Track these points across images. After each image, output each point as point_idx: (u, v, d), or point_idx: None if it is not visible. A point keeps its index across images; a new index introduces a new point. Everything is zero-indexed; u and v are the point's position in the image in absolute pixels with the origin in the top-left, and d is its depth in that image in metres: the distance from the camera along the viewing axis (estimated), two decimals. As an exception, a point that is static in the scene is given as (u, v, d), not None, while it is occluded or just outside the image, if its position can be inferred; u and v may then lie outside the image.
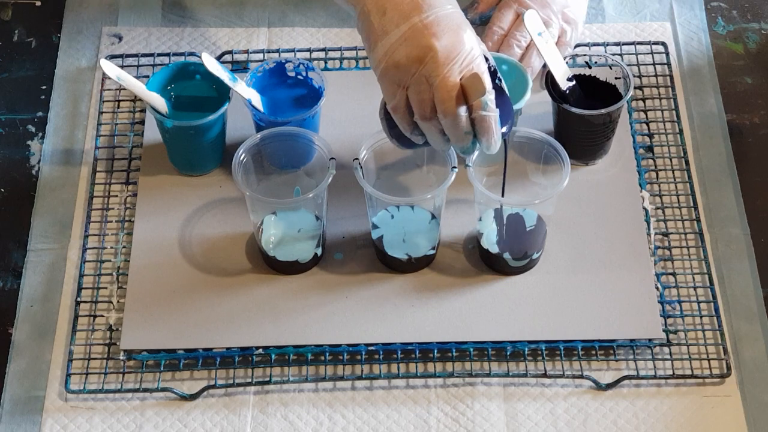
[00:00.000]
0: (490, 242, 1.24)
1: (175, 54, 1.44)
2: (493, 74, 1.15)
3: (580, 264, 1.27)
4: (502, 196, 1.22)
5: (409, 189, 1.29)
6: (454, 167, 1.20)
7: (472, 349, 1.23)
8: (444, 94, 1.12)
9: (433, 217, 1.24)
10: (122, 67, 1.40)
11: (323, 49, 1.45)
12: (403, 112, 1.15)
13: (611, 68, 1.32)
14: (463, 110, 1.13)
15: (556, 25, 1.36)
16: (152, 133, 1.37)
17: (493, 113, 1.13)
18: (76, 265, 1.29)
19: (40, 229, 1.32)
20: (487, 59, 1.15)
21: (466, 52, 1.12)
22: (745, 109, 1.42)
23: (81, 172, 1.36)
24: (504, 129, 1.17)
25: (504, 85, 1.17)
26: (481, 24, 1.43)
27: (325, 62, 1.44)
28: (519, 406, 1.20)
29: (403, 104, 1.14)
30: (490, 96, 1.13)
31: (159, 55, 1.44)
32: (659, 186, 1.34)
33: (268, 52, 1.45)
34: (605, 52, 1.44)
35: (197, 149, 1.31)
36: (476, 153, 1.18)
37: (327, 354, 1.22)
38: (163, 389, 1.21)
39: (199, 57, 1.29)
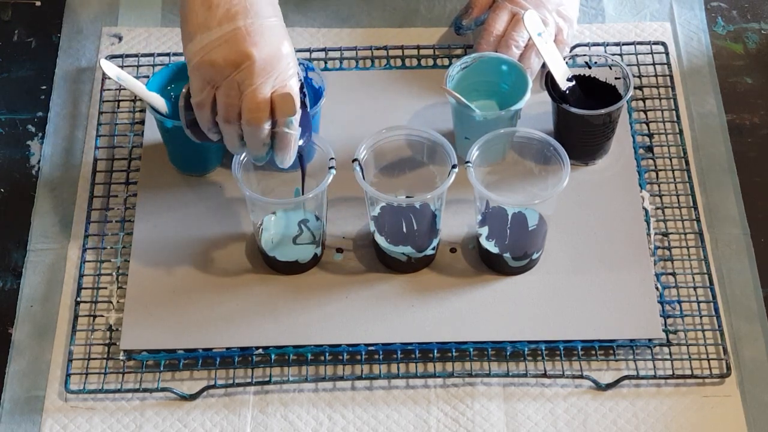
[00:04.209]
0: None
1: (175, 54, 1.44)
2: (300, 87, 1.17)
3: (580, 264, 1.27)
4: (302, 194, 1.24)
5: (409, 189, 1.29)
6: (454, 167, 1.20)
7: (471, 349, 1.23)
8: (252, 104, 1.12)
9: (433, 216, 1.24)
10: (122, 67, 1.40)
11: (323, 49, 1.45)
12: (207, 110, 1.15)
13: (611, 68, 1.32)
14: (267, 124, 1.14)
15: (553, 25, 1.36)
16: (152, 133, 1.37)
17: (294, 132, 1.15)
18: (76, 265, 1.29)
19: (40, 229, 1.32)
20: (299, 74, 1.17)
21: (283, 68, 1.13)
22: (745, 109, 1.42)
23: (81, 172, 1.36)
24: (300, 142, 1.18)
25: (307, 99, 1.19)
26: (477, 27, 1.43)
27: (325, 62, 1.44)
28: (519, 406, 1.20)
29: (209, 102, 1.15)
30: (296, 115, 1.14)
31: (159, 55, 1.44)
32: (659, 186, 1.34)
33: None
34: (605, 52, 1.44)
35: (197, 149, 1.31)
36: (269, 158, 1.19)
37: (327, 354, 1.22)
38: (163, 389, 1.21)
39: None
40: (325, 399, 1.21)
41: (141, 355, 1.23)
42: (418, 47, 1.45)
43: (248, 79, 1.12)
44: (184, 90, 1.17)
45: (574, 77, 1.32)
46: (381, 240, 1.25)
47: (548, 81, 1.31)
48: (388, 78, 1.42)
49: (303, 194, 1.24)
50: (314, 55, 1.44)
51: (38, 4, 1.52)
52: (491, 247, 1.25)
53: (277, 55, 1.13)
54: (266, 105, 1.13)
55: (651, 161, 1.36)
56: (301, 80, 1.18)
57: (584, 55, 1.33)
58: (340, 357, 1.23)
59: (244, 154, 1.23)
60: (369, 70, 1.43)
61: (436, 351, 1.23)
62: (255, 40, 1.12)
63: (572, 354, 1.23)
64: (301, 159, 1.21)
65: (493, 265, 1.27)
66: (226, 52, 1.12)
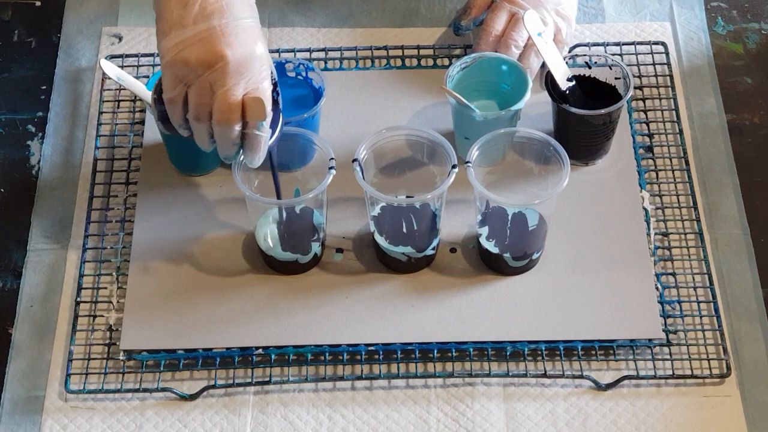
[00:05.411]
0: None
1: (175, 54, 1.44)
2: (272, 85, 1.17)
3: (580, 264, 1.27)
4: (278, 198, 1.23)
5: (409, 189, 1.29)
6: (454, 167, 1.20)
7: (471, 349, 1.23)
8: (224, 105, 1.12)
9: (434, 216, 1.24)
10: (122, 67, 1.40)
11: (323, 49, 1.45)
12: (178, 107, 1.15)
13: (611, 68, 1.32)
14: (237, 125, 1.14)
15: (552, 24, 1.36)
16: (152, 133, 1.37)
17: (264, 134, 1.15)
18: (76, 265, 1.29)
19: (40, 229, 1.32)
20: (270, 71, 1.17)
21: (256, 70, 1.13)
22: (745, 109, 1.42)
23: (81, 172, 1.36)
24: (271, 141, 1.18)
25: (280, 98, 1.19)
26: (476, 27, 1.43)
27: (325, 62, 1.44)
28: (519, 406, 1.20)
29: (180, 99, 1.15)
30: (267, 118, 1.14)
31: (159, 55, 1.44)
32: (659, 186, 1.34)
33: (269, 52, 1.44)
34: (605, 52, 1.44)
35: (197, 149, 1.31)
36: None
37: (327, 354, 1.22)
38: (163, 389, 1.21)
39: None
40: (325, 399, 1.21)
41: (141, 355, 1.23)
42: (418, 47, 1.45)
43: (221, 79, 1.12)
44: (156, 83, 1.18)
45: (574, 77, 1.32)
46: (381, 240, 1.25)
47: (548, 81, 1.31)
48: (388, 78, 1.42)
49: (279, 196, 1.24)
50: (314, 55, 1.44)
51: (38, 4, 1.52)
52: (491, 247, 1.25)
53: (251, 57, 1.13)
54: (237, 107, 1.13)
55: (651, 161, 1.36)
56: (274, 80, 1.18)
57: (584, 55, 1.33)
58: (340, 357, 1.23)
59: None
60: (369, 70, 1.43)
61: (436, 351, 1.23)
62: (229, 40, 1.12)
63: (572, 354, 1.23)
64: (272, 159, 1.21)
65: (493, 265, 1.27)
66: (200, 51, 1.12)
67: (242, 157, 1.18)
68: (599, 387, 1.21)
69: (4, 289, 1.29)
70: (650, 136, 1.38)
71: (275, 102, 1.18)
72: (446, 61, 1.44)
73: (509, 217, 1.23)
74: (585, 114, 1.29)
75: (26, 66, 1.46)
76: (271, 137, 1.19)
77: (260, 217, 1.26)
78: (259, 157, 1.17)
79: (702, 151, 1.38)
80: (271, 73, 1.17)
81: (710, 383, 1.22)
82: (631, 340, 1.23)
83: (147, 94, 1.27)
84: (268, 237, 1.26)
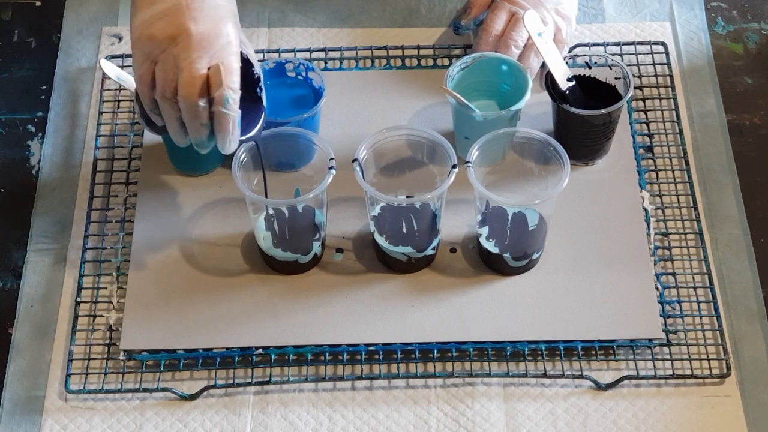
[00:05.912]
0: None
1: (175, 54, 1.44)
2: (256, 81, 1.17)
3: (580, 264, 1.27)
4: (266, 197, 1.23)
5: (409, 189, 1.29)
6: (454, 167, 1.20)
7: (472, 349, 1.23)
8: (187, 78, 1.12)
9: (434, 216, 1.24)
10: (122, 67, 1.40)
11: (323, 49, 1.45)
12: (146, 85, 1.15)
13: (611, 68, 1.32)
14: (203, 101, 1.13)
15: (552, 24, 1.36)
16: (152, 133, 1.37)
17: (232, 113, 1.14)
18: (76, 265, 1.29)
19: (40, 229, 1.32)
20: (252, 65, 1.17)
21: (221, 46, 1.13)
22: (745, 109, 1.42)
23: (81, 172, 1.37)
24: (253, 133, 1.18)
25: (264, 95, 1.19)
26: (476, 27, 1.43)
27: (325, 62, 1.44)
28: (519, 406, 1.20)
29: (148, 77, 1.14)
30: (234, 96, 1.13)
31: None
32: (659, 186, 1.34)
33: (268, 52, 1.45)
34: (605, 52, 1.44)
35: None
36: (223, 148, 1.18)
37: (327, 354, 1.22)
38: (163, 389, 1.21)
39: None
40: (325, 399, 1.21)
41: (141, 355, 1.23)
42: (418, 47, 1.45)
43: (184, 52, 1.12)
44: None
45: (574, 77, 1.32)
46: (381, 240, 1.25)
47: (548, 81, 1.31)
48: (388, 78, 1.42)
49: (266, 194, 1.24)
50: (314, 55, 1.45)
51: (38, 4, 1.52)
52: (491, 247, 1.25)
53: (215, 32, 1.13)
54: (201, 80, 1.12)
55: (651, 161, 1.36)
56: (258, 74, 1.17)
57: (584, 55, 1.33)
58: (340, 357, 1.23)
59: (243, 153, 1.23)
60: (369, 70, 1.43)
61: (436, 351, 1.23)
62: (194, 15, 1.12)
63: (572, 354, 1.23)
64: (260, 153, 1.21)
65: (493, 265, 1.27)
66: (165, 25, 1.12)
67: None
68: (599, 387, 1.21)
69: (4, 289, 1.29)
70: (650, 136, 1.38)
71: (258, 98, 1.18)
72: (446, 61, 1.44)
73: (509, 217, 1.23)
74: (585, 114, 1.29)
75: (26, 66, 1.46)
76: (251, 131, 1.18)
77: (260, 217, 1.26)
78: (230, 140, 1.16)
79: (702, 151, 1.38)
80: (255, 69, 1.17)
81: (710, 383, 1.22)
82: (631, 340, 1.23)
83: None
84: (269, 237, 1.26)
